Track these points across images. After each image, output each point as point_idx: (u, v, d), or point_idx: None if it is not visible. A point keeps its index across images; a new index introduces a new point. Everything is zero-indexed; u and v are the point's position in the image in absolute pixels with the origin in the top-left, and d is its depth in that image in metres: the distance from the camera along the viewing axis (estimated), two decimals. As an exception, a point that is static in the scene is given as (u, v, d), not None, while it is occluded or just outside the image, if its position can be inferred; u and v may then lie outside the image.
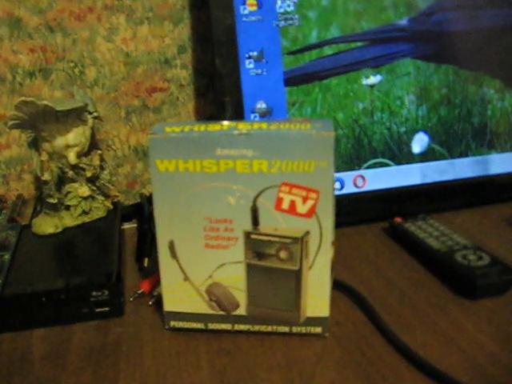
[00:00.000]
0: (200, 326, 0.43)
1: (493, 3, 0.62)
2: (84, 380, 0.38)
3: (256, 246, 0.39)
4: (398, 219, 0.58)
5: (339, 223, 0.40)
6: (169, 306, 0.43)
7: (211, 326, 0.43)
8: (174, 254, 0.40)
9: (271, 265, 0.40)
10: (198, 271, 0.41)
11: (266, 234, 0.39)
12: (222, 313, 0.42)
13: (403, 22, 0.60)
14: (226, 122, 0.38)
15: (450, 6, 0.61)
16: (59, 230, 0.54)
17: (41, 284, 0.44)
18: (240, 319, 0.42)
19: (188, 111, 0.69)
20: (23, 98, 0.49)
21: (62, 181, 0.55)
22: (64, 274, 0.45)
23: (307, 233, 0.38)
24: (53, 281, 0.44)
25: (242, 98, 0.58)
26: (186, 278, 0.41)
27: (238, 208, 0.38)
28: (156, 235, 0.40)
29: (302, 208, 0.38)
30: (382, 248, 0.56)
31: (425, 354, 0.39)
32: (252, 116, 0.58)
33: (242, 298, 0.41)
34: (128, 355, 0.41)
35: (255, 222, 0.39)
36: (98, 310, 0.45)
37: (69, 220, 0.55)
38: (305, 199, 0.37)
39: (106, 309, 0.45)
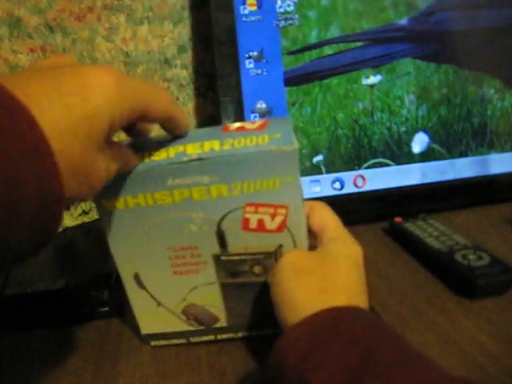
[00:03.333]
0: (182, 341, 0.42)
1: (493, 3, 0.62)
2: (84, 380, 0.38)
3: (228, 267, 0.37)
4: (398, 219, 0.58)
5: (339, 223, 0.39)
6: (146, 329, 0.41)
7: (193, 339, 0.42)
8: (141, 285, 0.38)
9: (246, 280, 0.38)
10: (170, 297, 0.39)
11: (237, 254, 0.37)
12: (202, 327, 0.41)
13: (403, 21, 0.60)
14: (172, 149, 0.33)
15: (450, 6, 0.61)
16: (59, 229, 0.54)
17: (41, 284, 0.44)
18: (222, 330, 0.41)
19: (188, 111, 0.69)
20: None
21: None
22: (64, 274, 0.45)
23: (280, 246, 0.36)
24: (53, 281, 0.44)
25: (242, 98, 0.58)
26: (159, 304, 0.39)
27: (202, 234, 0.35)
28: (118, 270, 0.38)
29: (271, 224, 0.35)
30: (382, 248, 0.56)
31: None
32: (252, 116, 0.58)
33: (220, 313, 0.40)
34: (128, 355, 0.41)
35: (223, 244, 0.36)
36: (97, 310, 0.45)
37: (69, 220, 0.55)
38: (273, 216, 0.35)
39: (106, 309, 0.45)
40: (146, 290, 0.39)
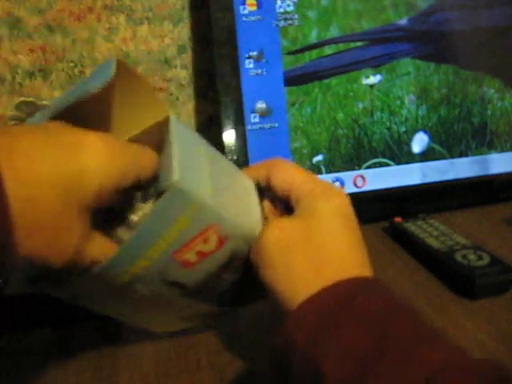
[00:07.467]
0: None
1: (493, 3, 0.62)
2: (84, 380, 0.38)
3: (196, 294, 0.34)
4: (398, 219, 0.58)
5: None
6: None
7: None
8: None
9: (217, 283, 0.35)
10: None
11: (198, 284, 0.33)
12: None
13: (403, 21, 0.60)
14: None
15: (449, 6, 0.61)
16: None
17: (41, 284, 0.44)
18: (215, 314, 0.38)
19: (188, 111, 0.69)
20: (23, 98, 0.48)
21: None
22: (64, 274, 0.45)
23: (235, 254, 0.33)
24: (53, 281, 0.44)
25: (242, 98, 0.58)
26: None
27: (154, 292, 0.32)
28: None
29: (208, 247, 0.31)
30: (382, 248, 0.56)
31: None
32: (252, 116, 0.58)
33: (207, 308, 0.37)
34: (128, 355, 0.41)
35: (182, 287, 0.33)
36: (97, 310, 0.45)
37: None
38: (206, 240, 0.31)
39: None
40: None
